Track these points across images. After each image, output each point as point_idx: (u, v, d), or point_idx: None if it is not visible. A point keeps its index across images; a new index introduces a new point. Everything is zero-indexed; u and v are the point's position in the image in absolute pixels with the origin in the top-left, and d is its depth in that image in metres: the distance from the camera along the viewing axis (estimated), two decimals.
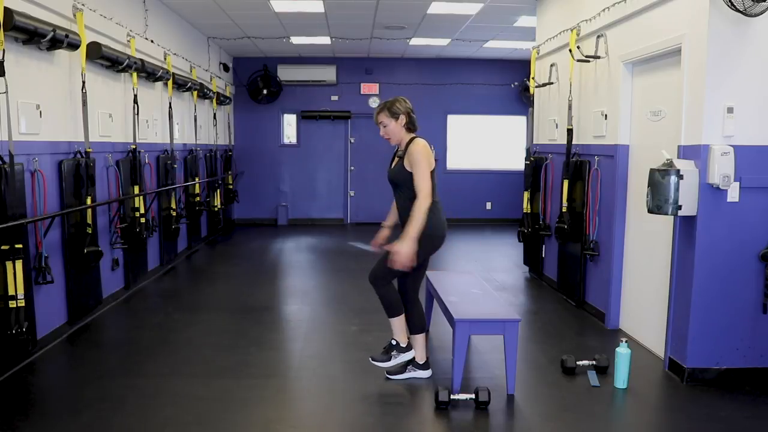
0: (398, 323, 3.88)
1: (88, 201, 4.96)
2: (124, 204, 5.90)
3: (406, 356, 3.91)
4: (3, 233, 3.79)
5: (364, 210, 11.60)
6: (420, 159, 3.66)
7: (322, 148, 11.61)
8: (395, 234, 3.86)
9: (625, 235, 4.97)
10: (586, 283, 5.59)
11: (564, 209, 5.80)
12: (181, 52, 7.85)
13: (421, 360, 3.94)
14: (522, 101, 11.28)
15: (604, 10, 5.09)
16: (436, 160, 3.83)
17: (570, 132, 5.72)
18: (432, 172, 3.74)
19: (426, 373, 3.95)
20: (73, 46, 4.66)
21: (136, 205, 6.02)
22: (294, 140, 11.68)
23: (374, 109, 11.74)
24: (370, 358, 3.93)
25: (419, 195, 3.64)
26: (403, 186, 3.78)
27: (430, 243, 3.78)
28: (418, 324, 3.96)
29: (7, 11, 3.79)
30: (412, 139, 3.79)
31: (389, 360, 3.89)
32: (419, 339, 3.96)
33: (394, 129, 3.81)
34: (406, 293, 3.99)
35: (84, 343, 4.72)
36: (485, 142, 11.77)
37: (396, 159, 3.89)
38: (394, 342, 3.91)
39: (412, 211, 3.65)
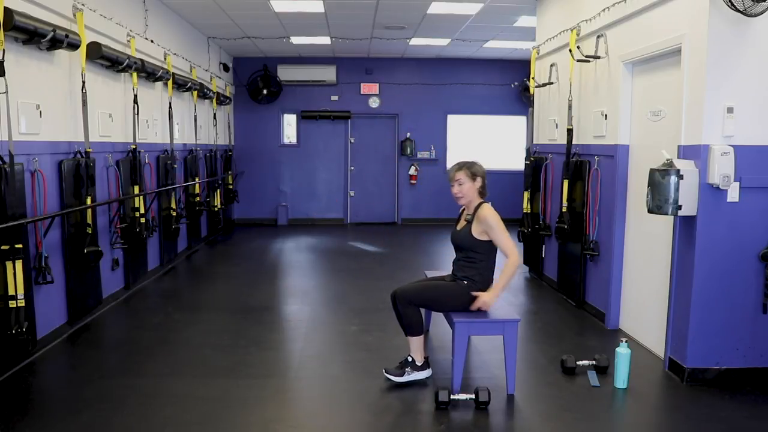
0: (416, 342, 3.88)
1: (88, 201, 4.96)
2: (124, 204, 5.90)
3: (420, 375, 3.89)
4: (3, 233, 3.79)
5: (364, 210, 11.60)
6: (496, 223, 3.74)
7: (322, 148, 11.61)
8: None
9: (625, 235, 4.97)
10: (586, 283, 5.59)
11: (564, 209, 5.80)
12: (181, 52, 7.85)
13: (419, 361, 3.93)
14: (522, 101, 11.28)
15: (604, 10, 5.09)
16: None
17: (570, 132, 5.72)
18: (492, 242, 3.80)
19: (425, 374, 3.94)
20: (73, 46, 4.66)
21: (136, 205, 6.02)
22: (294, 140, 11.68)
23: (374, 109, 11.65)
24: (384, 370, 3.92)
25: (510, 256, 3.71)
26: (467, 250, 3.84)
27: (472, 304, 3.82)
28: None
29: (7, 11, 3.79)
30: (480, 204, 3.84)
31: (403, 375, 3.87)
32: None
33: (469, 189, 3.86)
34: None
35: (84, 343, 4.72)
36: (485, 142, 11.76)
37: (463, 222, 3.93)
38: (410, 359, 3.90)
39: (504, 268, 3.74)
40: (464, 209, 3.98)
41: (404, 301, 3.81)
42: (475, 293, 3.74)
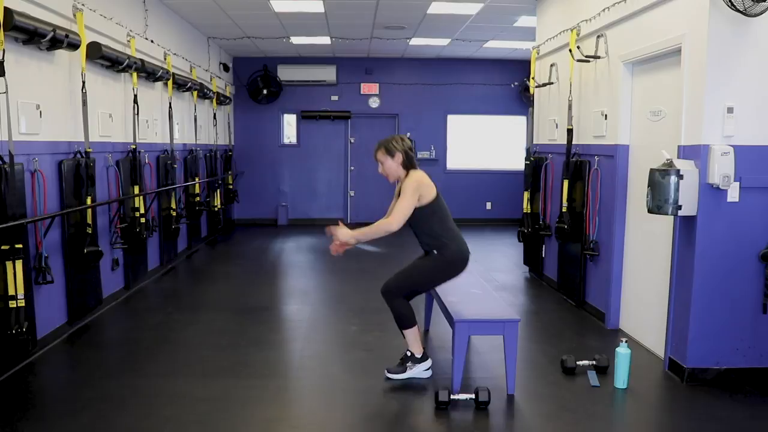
0: (411, 334, 3.88)
1: (88, 201, 4.96)
2: (124, 204, 5.90)
3: (422, 366, 3.89)
4: (3, 233, 3.79)
5: (364, 210, 11.59)
6: (408, 187, 3.73)
7: (322, 148, 11.61)
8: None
9: (625, 235, 4.97)
10: (586, 283, 5.59)
11: (564, 209, 5.80)
12: (181, 52, 7.85)
13: (419, 353, 3.92)
14: (522, 101, 11.28)
15: (604, 10, 5.09)
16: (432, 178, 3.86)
17: (570, 132, 5.72)
18: (436, 202, 3.79)
19: (426, 365, 3.92)
20: (73, 46, 4.66)
21: (136, 205, 6.02)
22: (294, 140, 11.68)
23: (374, 109, 11.74)
24: (385, 371, 3.91)
25: (390, 219, 3.71)
26: (410, 222, 3.84)
27: (451, 269, 3.85)
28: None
29: (7, 11, 3.79)
30: (408, 174, 3.83)
31: (405, 371, 3.87)
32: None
33: (390, 166, 3.86)
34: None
35: (84, 343, 4.72)
36: (485, 142, 11.77)
37: (397, 197, 3.93)
38: (408, 353, 3.90)
39: (375, 224, 3.75)
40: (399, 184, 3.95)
41: (389, 294, 3.81)
42: (334, 230, 3.77)
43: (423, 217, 3.80)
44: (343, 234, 3.75)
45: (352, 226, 3.90)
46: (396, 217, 3.70)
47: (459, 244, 3.85)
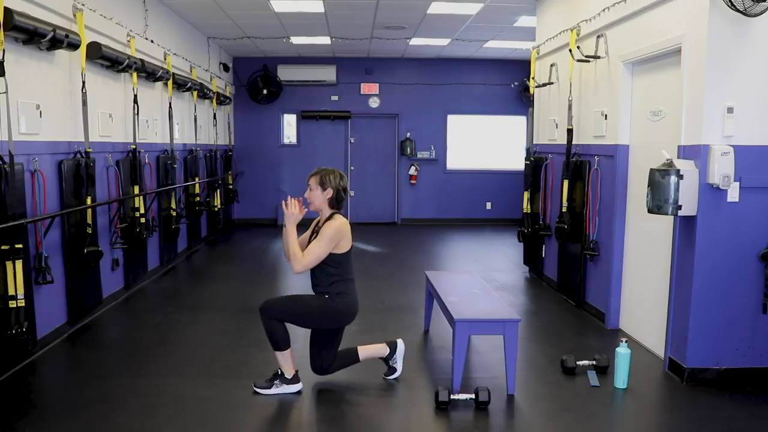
0: (282, 357, 3.72)
1: (88, 201, 4.97)
2: (124, 204, 5.90)
3: (291, 388, 3.75)
4: (3, 233, 3.79)
5: (364, 210, 11.60)
6: (326, 233, 3.61)
7: (322, 148, 11.61)
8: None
9: (625, 235, 4.97)
10: (586, 283, 5.59)
11: (564, 209, 5.80)
12: (181, 52, 7.85)
13: (289, 374, 3.78)
14: (522, 101, 11.28)
15: (604, 10, 5.09)
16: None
17: (570, 132, 5.72)
18: (348, 253, 3.72)
19: (295, 388, 3.78)
20: (73, 46, 4.66)
21: (136, 205, 6.02)
22: (294, 140, 11.68)
23: (374, 109, 11.70)
24: (252, 384, 3.78)
25: (301, 257, 3.58)
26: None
27: (340, 319, 3.76)
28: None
29: (7, 11, 3.79)
30: (331, 215, 3.73)
31: (270, 387, 3.73)
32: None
33: (317, 197, 3.74)
34: (323, 364, 3.84)
35: (84, 343, 4.72)
36: (485, 142, 11.78)
37: (313, 234, 3.79)
38: (279, 372, 3.77)
39: (296, 247, 3.61)
40: (319, 218, 3.84)
41: (267, 315, 3.68)
42: (291, 208, 3.62)
43: (332, 263, 3.68)
44: (292, 218, 3.63)
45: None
46: (307, 260, 3.58)
47: (353, 298, 3.76)
